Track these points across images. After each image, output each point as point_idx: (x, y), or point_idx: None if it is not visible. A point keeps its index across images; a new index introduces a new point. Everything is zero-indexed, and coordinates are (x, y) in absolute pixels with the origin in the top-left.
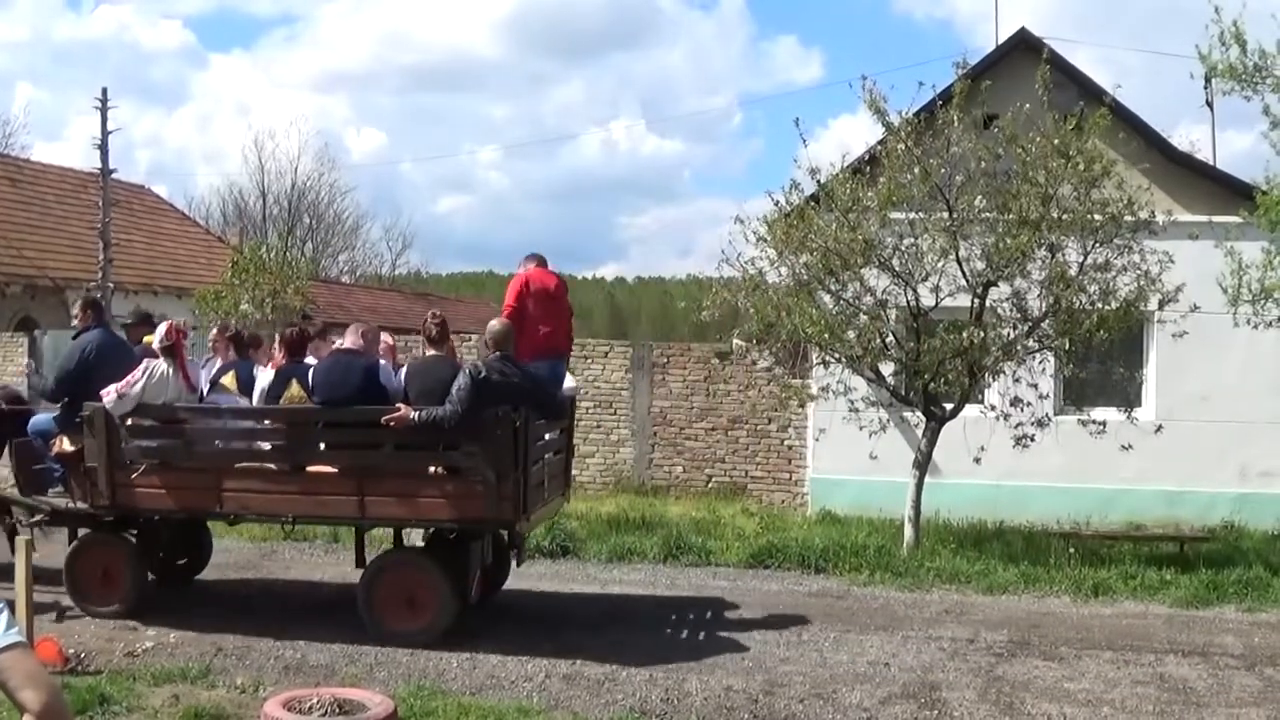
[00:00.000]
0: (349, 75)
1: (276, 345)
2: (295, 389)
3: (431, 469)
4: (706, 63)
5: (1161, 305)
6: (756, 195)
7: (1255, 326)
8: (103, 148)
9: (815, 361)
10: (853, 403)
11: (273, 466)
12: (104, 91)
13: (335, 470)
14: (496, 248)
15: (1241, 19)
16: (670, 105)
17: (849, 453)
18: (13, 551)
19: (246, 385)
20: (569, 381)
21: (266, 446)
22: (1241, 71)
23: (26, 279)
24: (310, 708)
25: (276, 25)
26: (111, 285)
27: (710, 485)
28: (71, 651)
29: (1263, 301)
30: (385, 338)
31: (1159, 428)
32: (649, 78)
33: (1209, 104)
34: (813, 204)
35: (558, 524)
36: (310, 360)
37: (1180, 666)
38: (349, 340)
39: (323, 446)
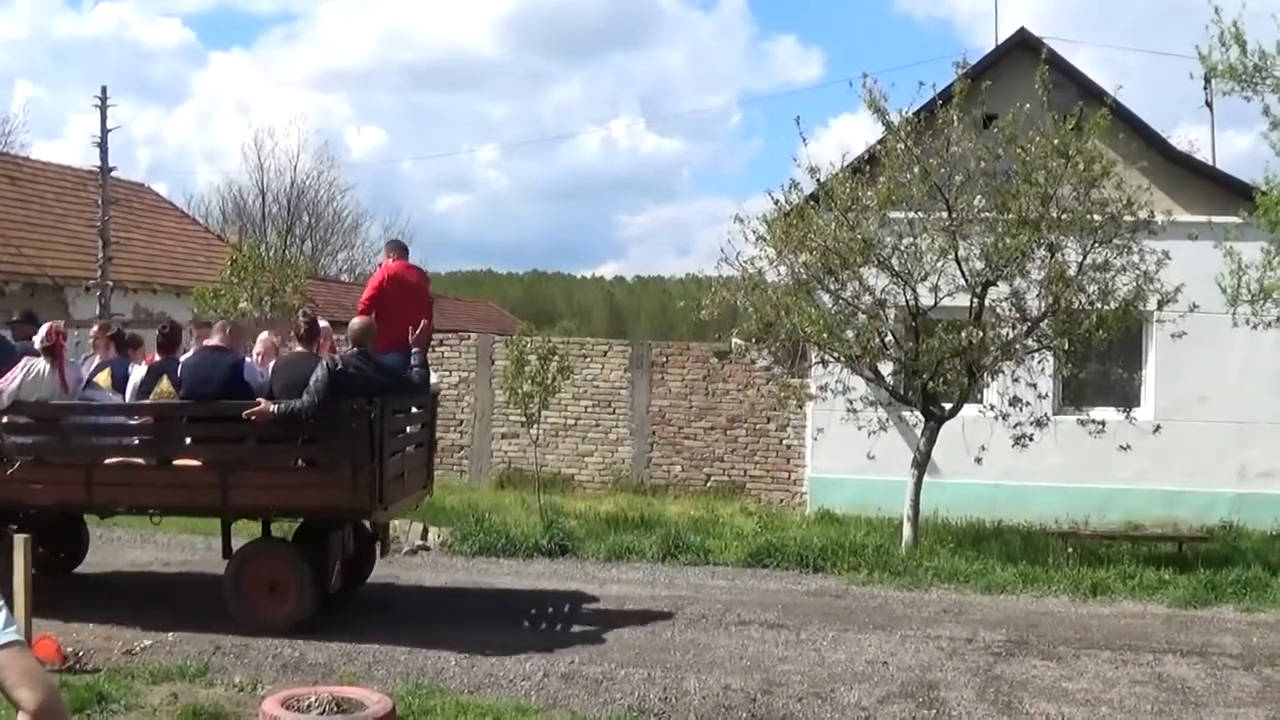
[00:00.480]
0: (348, 73)
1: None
2: (164, 385)
3: (292, 461)
4: (706, 62)
5: (1160, 305)
6: (756, 194)
7: (1254, 327)
8: (102, 146)
9: (814, 361)
10: (851, 402)
11: (141, 461)
12: (103, 90)
13: (199, 463)
14: (495, 247)
15: (1241, 19)
16: (670, 104)
17: (847, 452)
18: None
19: (121, 382)
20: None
21: (135, 441)
22: (1241, 72)
23: (26, 277)
24: (309, 706)
25: (276, 23)
26: (111, 283)
27: (709, 484)
28: (70, 650)
29: (1262, 302)
30: (268, 337)
31: (1158, 428)
32: (648, 77)
33: (1208, 104)
34: (812, 203)
35: (556, 523)
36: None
37: (1178, 666)
38: (215, 337)
39: (188, 441)
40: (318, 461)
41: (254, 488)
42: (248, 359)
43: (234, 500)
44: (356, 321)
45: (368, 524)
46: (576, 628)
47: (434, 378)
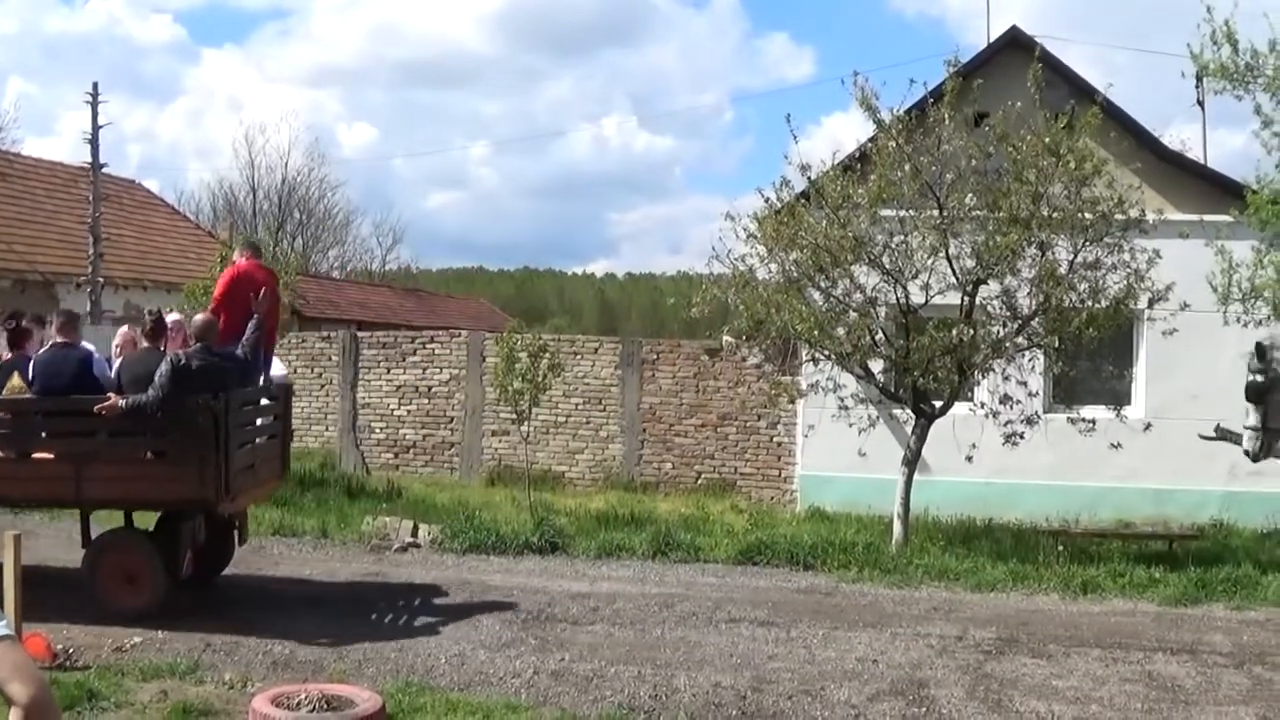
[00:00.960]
0: (340, 70)
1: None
2: (16, 381)
3: (142, 454)
4: (698, 59)
5: (1151, 303)
6: (747, 192)
7: (1245, 325)
8: (93, 142)
9: (805, 358)
10: (842, 400)
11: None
12: (95, 86)
13: (54, 457)
14: (486, 244)
15: (1233, 18)
16: (662, 101)
17: (838, 449)
18: None
19: None
20: (279, 368)
21: None
22: (1233, 71)
23: (16, 274)
24: (298, 703)
25: (268, 20)
26: (101, 280)
27: (699, 482)
28: (60, 647)
29: (1252, 300)
30: (126, 331)
31: (1148, 426)
32: (641, 74)
33: (1200, 103)
34: (803, 201)
35: (547, 520)
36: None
37: (1169, 664)
38: (58, 334)
39: (44, 435)
40: (166, 454)
41: (106, 480)
42: (96, 354)
43: (88, 492)
44: (199, 318)
45: (224, 513)
46: (566, 625)
47: (283, 367)
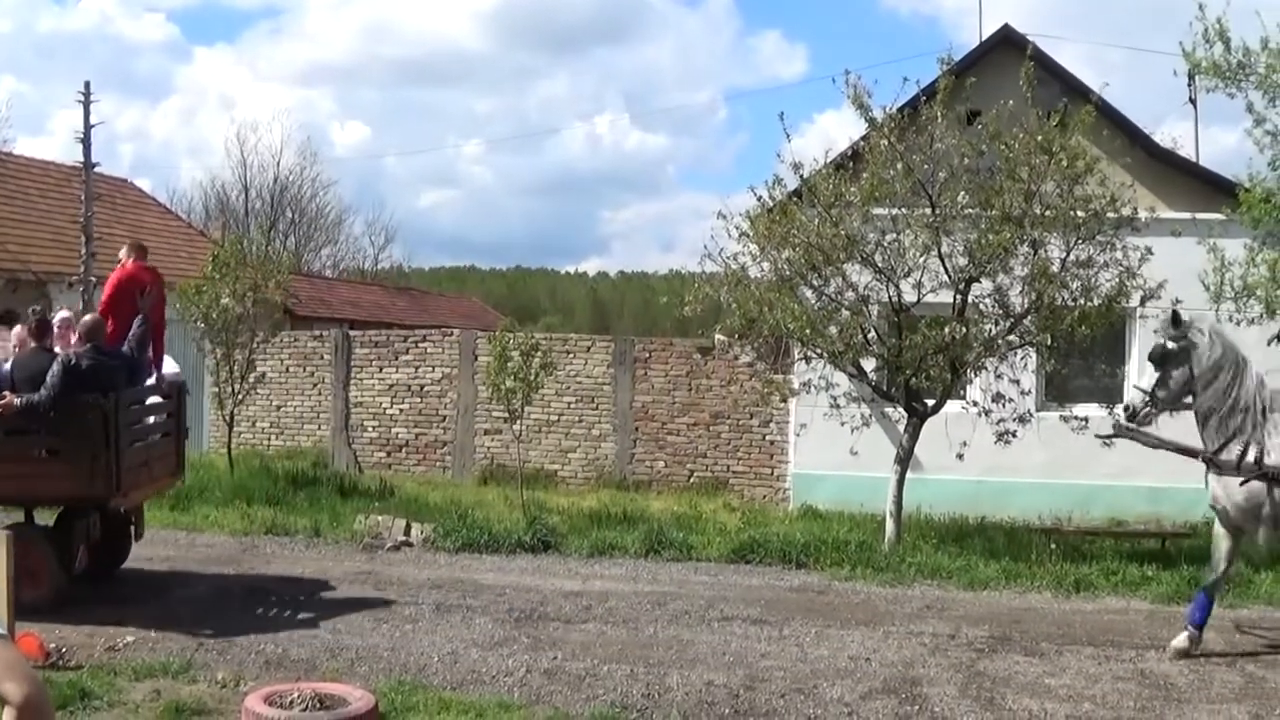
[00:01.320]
0: (333, 68)
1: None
2: None
3: (36, 452)
4: (692, 57)
5: (1143, 301)
6: (740, 190)
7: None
8: (85, 141)
9: (797, 357)
10: (834, 398)
11: None
12: (87, 85)
13: None
14: (479, 242)
15: (1225, 16)
16: (655, 99)
17: (830, 448)
18: None
19: None
20: (172, 366)
21: None
22: (1225, 69)
23: (9, 273)
24: (291, 702)
25: (261, 18)
26: (94, 279)
27: (692, 480)
28: (53, 646)
29: (1245, 298)
30: (20, 330)
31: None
32: (634, 72)
33: (1192, 101)
34: (796, 199)
35: (539, 519)
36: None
37: (1161, 662)
38: None
39: None
40: (59, 452)
41: (2, 478)
42: None
43: None
44: (88, 318)
45: (120, 510)
46: (559, 624)
47: (174, 367)
